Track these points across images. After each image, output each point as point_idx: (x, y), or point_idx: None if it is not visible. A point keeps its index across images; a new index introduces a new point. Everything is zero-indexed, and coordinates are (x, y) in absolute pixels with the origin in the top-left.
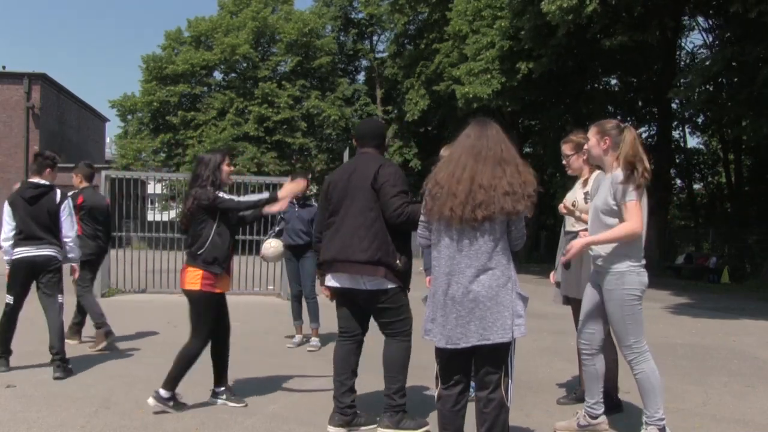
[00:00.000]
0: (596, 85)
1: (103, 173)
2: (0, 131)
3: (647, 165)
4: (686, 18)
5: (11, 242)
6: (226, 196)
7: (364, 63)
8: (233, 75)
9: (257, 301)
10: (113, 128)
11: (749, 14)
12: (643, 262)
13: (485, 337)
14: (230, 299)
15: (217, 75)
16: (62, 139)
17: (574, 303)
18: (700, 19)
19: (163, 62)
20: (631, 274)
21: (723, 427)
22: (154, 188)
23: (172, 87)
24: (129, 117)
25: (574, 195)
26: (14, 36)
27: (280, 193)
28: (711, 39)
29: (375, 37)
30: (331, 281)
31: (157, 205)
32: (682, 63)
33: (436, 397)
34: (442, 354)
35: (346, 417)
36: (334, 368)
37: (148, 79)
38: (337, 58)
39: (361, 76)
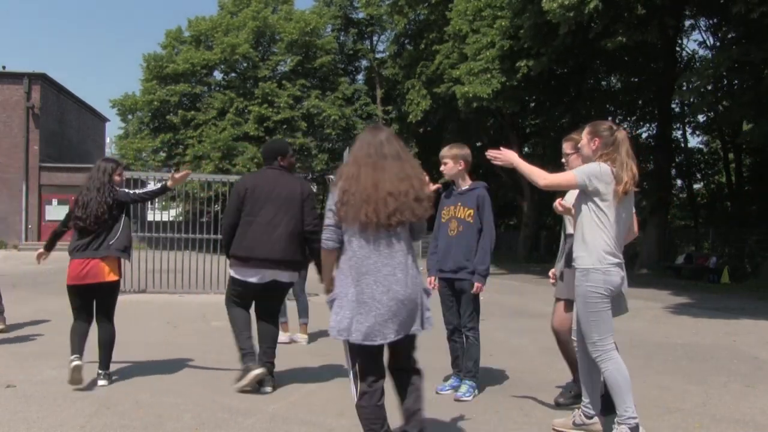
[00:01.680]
0: (596, 85)
1: None
2: (0, 131)
3: (635, 171)
4: (687, 17)
5: None
6: (140, 191)
7: (364, 63)
8: (233, 75)
9: None
10: (113, 128)
11: (752, 14)
12: (615, 261)
13: (406, 330)
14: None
15: (217, 75)
16: (62, 139)
17: (558, 302)
18: (701, 20)
19: (163, 61)
20: (596, 272)
21: (723, 427)
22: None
23: (173, 86)
24: (129, 116)
25: (573, 194)
26: (14, 36)
27: (169, 184)
28: (712, 40)
29: (375, 37)
30: (253, 277)
31: (156, 205)
32: (683, 63)
33: (357, 395)
34: (364, 351)
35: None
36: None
37: (149, 78)
38: (337, 58)
39: (361, 76)
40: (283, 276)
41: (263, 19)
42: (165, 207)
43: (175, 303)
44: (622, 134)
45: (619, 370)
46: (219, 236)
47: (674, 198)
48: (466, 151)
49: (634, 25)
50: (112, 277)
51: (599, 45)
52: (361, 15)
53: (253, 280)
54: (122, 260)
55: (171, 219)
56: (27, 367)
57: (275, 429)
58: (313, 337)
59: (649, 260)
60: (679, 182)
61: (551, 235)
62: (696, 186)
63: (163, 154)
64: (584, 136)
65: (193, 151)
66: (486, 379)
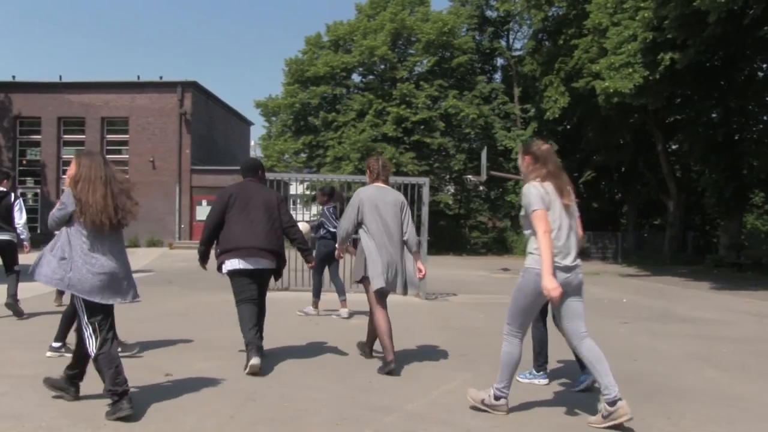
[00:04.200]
0: (752, 75)
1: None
2: (157, 137)
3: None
4: None
5: None
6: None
7: (501, 61)
8: (371, 77)
9: (396, 300)
10: (258, 131)
11: None
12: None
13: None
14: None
15: (356, 77)
16: (210, 143)
17: None
18: None
19: (304, 65)
20: (531, 272)
21: None
22: (296, 189)
23: (313, 89)
24: (273, 118)
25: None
26: (169, 48)
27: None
28: None
29: (511, 35)
30: (241, 264)
31: (299, 205)
32: None
33: (94, 352)
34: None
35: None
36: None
37: (291, 81)
38: (474, 57)
39: (497, 75)
40: (265, 263)
41: (401, 21)
42: (307, 206)
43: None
44: (545, 149)
45: (508, 355)
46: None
47: None
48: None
49: None
50: None
51: (755, 33)
52: (496, 13)
53: (241, 266)
54: None
55: (313, 219)
56: (182, 359)
57: (413, 427)
58: (447, 335)
59: None
60: None
61: (700, 236)
62: None
63: (304, 156)
64: (519, 155)
65: (334, 153)
66: (629, 384)
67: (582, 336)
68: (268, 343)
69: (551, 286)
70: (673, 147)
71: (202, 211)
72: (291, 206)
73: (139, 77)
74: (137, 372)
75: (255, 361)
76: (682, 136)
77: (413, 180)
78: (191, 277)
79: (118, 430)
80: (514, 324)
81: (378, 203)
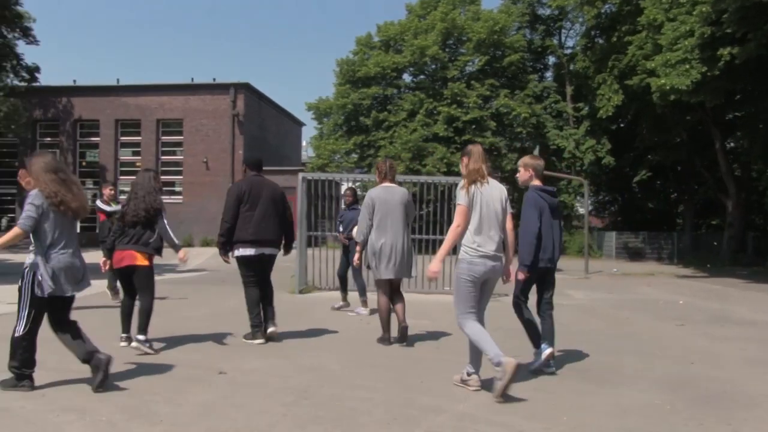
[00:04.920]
0: None
1: (300, 175)
2: (210, 138)
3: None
4: None
5: None
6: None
7: (553, 60)
8: (422, 76)
9: (448, 300)
10: (309, 131)
11: None
12: (479, 252)
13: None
14: (421, 298)
15: (407, 77)
16: (262, 143)
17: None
18: None
19: (355, 66)
20: (463, 261)
21: None
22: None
23: (365, 89)
24: (324, 119)
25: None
26: (222, 51)
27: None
28: None
29: (563, 32)
30: (253, 251)
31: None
32: None
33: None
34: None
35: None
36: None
37: (342, 82)
38: (526, 56)
39: (549, 74)
40: (272, 251)
41: (451, 20)
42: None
43: (371, 301)
44: (474, 148)
45: (472, 335)
46: (427, 236)
47: None
48: (536, 161)
49: None
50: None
51: None
52: (548, 10)
53: (255, 254)
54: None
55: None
56: (235, 357)
57: (465, 428)
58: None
59: None
60: None
61: (762, 236)
62: None
63: (355, 156)
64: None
65: (385, 152)
66: (686, 388)
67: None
68: (321, 343)
69: (433, 268)
70: (732, 145)
71: None
72: (342, 206)
73: (192, 79)
74: (191, 370)
75: (272, 328)
76: (742, 134)
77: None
78: None
79: (174, 425)
80: (460, 310)
81: (388, 201)
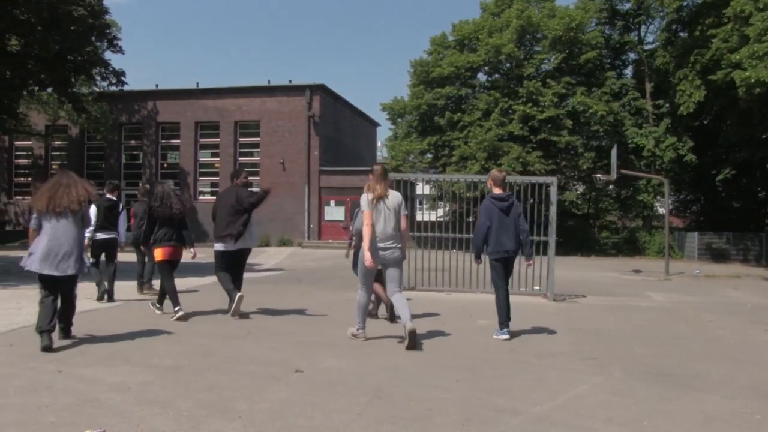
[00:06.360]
0: None
1: None
2: (287, 139)
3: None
4: None
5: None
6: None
7: (632, 56)
8: (497, 75)
9: (522, 301)
10: (384, 132)
11: None
12: (379, 245)
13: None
14: (483, 298)
15: (481, 76)
16: (338, 144)
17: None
18: None
19: (429, 66)
20: (362, 249)
21: None
22: (422, 189)
23: (439, 89)
24: (399, 120)
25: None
26: (298, 53)
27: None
28: None
29: (643, 28)
30: (229, 246)
31: (425, 205)
32: None
33: None
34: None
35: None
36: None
37: (416, 83)
38: (603, 53)
39: (628, 70)
40: (240, 244)
41: (527, 17)
42: (433, 207)
43: (443, 301)
44: (375, 168)
45: (360, 300)
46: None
47: None
48: (496, 174)
49: None
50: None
51: None
52: (627, 6)
53: (228, 248)
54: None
55: (438, 219)
56: (312, 355)
57: (541, 431)
58: (575, 337)
59: None
60: None
61: None
62: None
63: (429, 156)
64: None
65: (460, 152)
66: (746, 389)
67: (393, 292)
68: (396, 342)
69: (367, 259)
70: None
71: (331, 212)
72: (417, 206)
73: (269, 82)
74: (269, 368)
75: (238, 294)
76: None
77: (540, 179)
78: (319, 276)
79: (251, 421)
80: (361, 282)
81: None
